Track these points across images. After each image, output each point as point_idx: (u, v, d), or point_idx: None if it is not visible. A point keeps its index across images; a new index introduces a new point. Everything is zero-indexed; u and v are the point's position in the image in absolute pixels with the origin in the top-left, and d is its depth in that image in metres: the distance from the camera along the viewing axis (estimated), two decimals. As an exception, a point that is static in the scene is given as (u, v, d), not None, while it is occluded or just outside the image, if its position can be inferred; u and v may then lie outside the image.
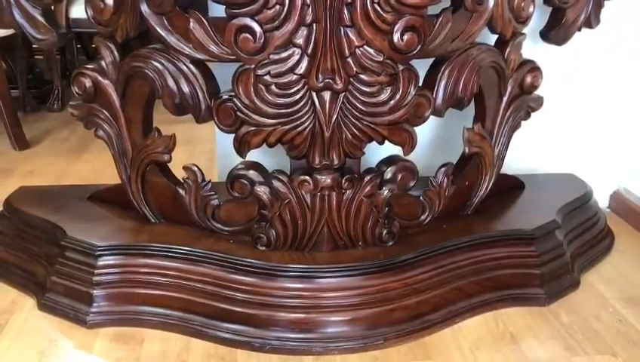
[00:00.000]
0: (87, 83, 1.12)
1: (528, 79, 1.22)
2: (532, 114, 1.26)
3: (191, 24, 0.98)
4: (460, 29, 1.04)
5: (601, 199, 1.58)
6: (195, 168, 1.11)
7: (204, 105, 1.04)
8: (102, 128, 1.15)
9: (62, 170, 1.78)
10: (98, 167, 1.79)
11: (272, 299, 1.05)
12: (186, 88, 1.04)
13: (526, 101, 1.24)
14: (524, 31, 1.16)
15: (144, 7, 1.00)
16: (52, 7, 1.16)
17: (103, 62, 1.10)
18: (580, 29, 1.27)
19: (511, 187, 1.37)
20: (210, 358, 1.01)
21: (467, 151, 1.17)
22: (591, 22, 1.27)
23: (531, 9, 1.14)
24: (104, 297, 1.08)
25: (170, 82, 1.04)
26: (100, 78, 1.11)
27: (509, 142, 1.25)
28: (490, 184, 1.24)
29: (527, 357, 1.03)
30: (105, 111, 1.14)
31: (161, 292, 1.08)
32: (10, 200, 1.29)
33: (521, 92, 1.22)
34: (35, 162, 1.86)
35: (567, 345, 1.06)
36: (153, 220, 1.18)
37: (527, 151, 1.50)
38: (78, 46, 3.10)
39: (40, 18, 1.13)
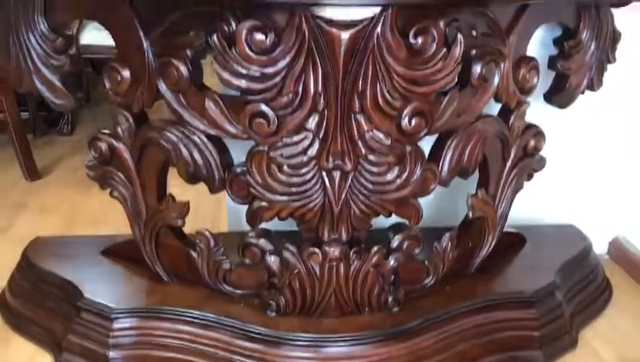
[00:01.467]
0: (103, 147, 1.16)
1: (532, 143, 1.25)
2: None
3: (206, 103, 1.02)
4: (466, 104, 1.07)
5: (601, 245, 1.62)
6: (207, 233, 1.15)
7: (217, 177, 1.08)
8: (117, 190, 1.19)
9: (73, 207, 1.82)
10: (107, 204, 1.82)
11: (278, 365, 1.09)
12: (199, 160, 1.07)
13: (529, 164, 1.27)
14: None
15: (161, 84, 1.03)
16: (70, 72, 1.19)
17: (119, 129, 1.13)
18: (583, 93, 1.30)
19: (513, 242, 1.40)
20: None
21: (471, 216, 1.21)
22: (594, 85, 1.30)
23: (535, 80, 1.17)
24: (120, 359, 1.12)
25: (185, 153, 1.08)
26: (115, 143, 1.15)
27: (511, 203, 1.28)
28: (493, 243, 1.28)
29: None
30: (120, 174, 1.17)
31: (174, 355, 1.12)
32: (28, 254, 1.33)
33: (525, 155, 1.26)
34: (47, 196, 1.90)
35: (564, 410, 1.11)
36: (166, 279, 1.22)
37: (528, 200, 1.53)
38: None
39: (58, 84, 1.16)
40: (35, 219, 1.74)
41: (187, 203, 1.15)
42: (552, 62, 1.25)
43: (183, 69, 1.00)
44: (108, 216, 1.73)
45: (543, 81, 1.24)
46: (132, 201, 1.18)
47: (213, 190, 1.10)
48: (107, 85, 1.10)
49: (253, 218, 1.07)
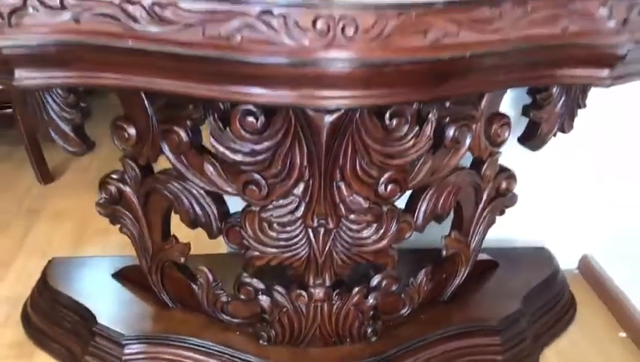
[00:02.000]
0: (113, 189, 1.28)
1: (504, 185, 1.37)
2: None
3: (205, 165, 1.13)
4: (440, 164, 1.19)
5: (572, 261, 1.76)
6: (206, 270, 1.29)
7: (215, 226, 1.21)
8: (126, 227, 1.32)
9: (84, 214, 1.95)
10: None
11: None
12: (199, 210, 1.20)
13: (501, 202, 1.39)
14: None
15: (164, 145, 1.15)
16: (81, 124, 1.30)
17: (126, 176, 1.26)
18: (555, 136, 1.40)
19: (486, 267, 1.54)
20: None
21: (445, 253, 1.34)
22: (565, 129, 1.40)
23: (507, 134, 1.28)
24: (131, 380, 1.28)
25: (186, 204, 1.20)
26: (123, 187, 1.27)
27: (484, 237, 1.41)
28: (466, 273, 1.41)
29: None
30: (128, 214, 1.30)
31: (179, 378, 1.28)
32: (46, 275, 1.47)
33: (497, 196, 1.37)
34: (60, 200, 2.03)
35: None
36: (171, 305, 1.37)
37: (504, 221, 1.66)
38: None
39: (71, 134, 1.27)
40: (49, 227, 1.88)
41: (188, 244, 1.28)
42: (525, 111, 1.35)
43: (184, 135, 1.12)
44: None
45: (518, 124, 1.34)
46: (139, 238, 1.32)
47: (211, 236, 1.23)
48: (115, 141, 1.22)
49: (246, 264, 1.20)
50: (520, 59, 0.95)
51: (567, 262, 1.72)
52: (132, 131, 1.18)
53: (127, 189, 1.27)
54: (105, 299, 1.40)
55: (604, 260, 1.69)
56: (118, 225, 1.34)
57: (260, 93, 0.90)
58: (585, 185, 1.66)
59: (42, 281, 1.48)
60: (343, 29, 0.83)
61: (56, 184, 2.15)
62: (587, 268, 1.73)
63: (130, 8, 0.87)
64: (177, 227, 1.28)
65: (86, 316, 1.35)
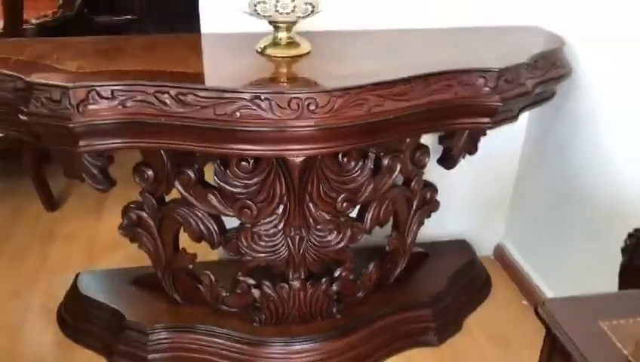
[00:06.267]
0: (133, 216, 1.68)
1: (428, 195, 1.83)
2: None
3: (208, 195, 1.55)
4: (379, 184, 1.63)
5: (488, 248, 2.24)
6: (209, 273, 1.70)
7: (216, 240, 1.62)
8: (144, 244, 1.71)
9: (91, 235, 2.32)
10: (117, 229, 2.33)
11: (261, 359, 1.68)
12: (204, 229, 1.61)
13: (427, 208, 1.85)
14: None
15: (177, 183, 1.56)
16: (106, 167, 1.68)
17: (145, 205, 1.66)
18: (464, 157, 1.87)
19: (421, 256, 2.00)
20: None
21: (388, 249, 1.79)
22: (470, 152, 1.87)
23: (427, 159, 1.73)
24: (156, 359, 1.68)
25: (193, 224, 1.61)
26: (141, 213, 1.67)
27: (416, 234, 1.87)
28: (405, 263, 1.87)
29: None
30: (146, 234, 1.70)
31: (193, 355, 1.69)
32: (77, 286, 1.85)
33: (424, 204, 1.84)
34: (68, 225, 2.39)
35: (448, 374, 1.73)
36: (181, 302, 1.77)
37: (434, 219, 2.12)
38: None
39: (99, 175, 1.65)
40: (63, 247, 2.25)
41: (195, 254, 1.69)
42: (440, 140, 1.81)
43: (192, 175, 1.53)
44: (121, 242, 2.23)
45: (436, 150, 1.80)
46: (155, 252, 1.71)
47: (213, 248, 1.65)
48: (136, 179, 1.62)
49: (242, 266, 1.62)
50: (427, 115, 1.41)
51: (485, 250, 2.21)
52: (150, 173, 1.58)
53: (145, 215, 1.67)
54: (128, 301, 1.79)
55: (513, 248, 2.17)
56: (137, 243, 1.73)
57: (252, 149, 1.32)
58: (493, 192, 2.15)
59: (73, 290, 1.86)
60: (307, 106, 1.26)
61: (61, 211, 2.50)
62: (500, 255, 2.22)
63: (161, 96, 1.28)
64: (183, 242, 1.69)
65: (115, 314, 1.74)
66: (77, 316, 1.83)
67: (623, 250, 1.36)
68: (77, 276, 1.91)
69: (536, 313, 1.09)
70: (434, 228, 2.03)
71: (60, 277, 2.07)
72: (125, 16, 3.10)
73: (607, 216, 1.63)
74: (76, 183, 2.66)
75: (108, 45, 1.56)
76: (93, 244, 2.28)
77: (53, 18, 2.70)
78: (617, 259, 1.32)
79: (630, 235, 1.35)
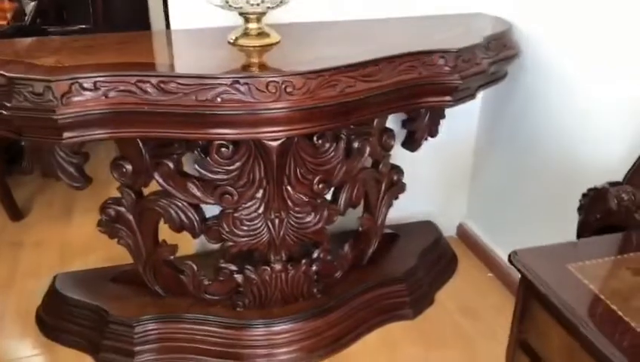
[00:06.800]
0: (111, 211, 1.70)
1: (395, 178, 1.93)
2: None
3: (188, 184, 1.60)
4: (351, 166, 1.72)
5: (451, 229, 2.36)
6: (191, 263, 1.74)
7: (197, 228, 1.66)
8: (123, 239, 1.74)
9: (62, 240, 2.31)
10: (87, 234, 2.33)
11: (246, 342, 1.73)
12: (184, 218, 1.65)
13: (395, 190, 1.95)
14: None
15: (156, 174, 1.60)
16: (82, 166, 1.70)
17: (123, 200, 1.68)
18: (426, 140, 1.97)
19: (390, 237, 2.10)
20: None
21: (360, 229, 1.88)
22: (432, 134, 1.98)
23: (393, 142, 1.83)
24: (144, 352, 1.70)
25: (173, 215, 1.65)
26: (119, 209, 1.69)
27: (386, 216, 1.96)
28: (377, 243, 1.96)
29: (404, 352, 1.78)
30: (125, 229, 1.72)
31: (180, 344, 1.72)
32: (55, 287, 1.85)
33: (392, 186, 1.93)
34: (36, 232, 2.37)
35: (425, 343, 1.82)
36: (163, 294, 1.80)
37: (398, 204, 2.21)
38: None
39: (75, 173, 1.66)
40: (34, 254, 2.23)
41: (175, 245, 1.73)
42: (404, 124, 1.91)
43: (172, 165, 1.58)
44: (93, 245, 2.25)
45: (400, 134, 1.91)
46: (134, 246, 1.74)
47: (195, 236, 1.69)
48: (114, 175, 1.64)
49: (224, 253, 1.67)
50: (394, 95, 1.50)
51: (448, 230, 2.32)
52: (129, 166, 1.61)
53: (123, 210, 1.69)
54: (109, 297, 1.80)
55: (475, 226, 2.30)
56: (116, 239, 1.75)
57: (233, 133, 1.38)
58: (454, 174, 2.27)
59: (51, 292, 1.86)
60: (284, 89, 1.34)
61: (27, 220, 2.48)
62: (463, 233, 2.34)
63: (143, 85, 1.33)
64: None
65: (98, 311, 1.75)
66: (57, 316, 1.83)
67: (579, 209, 1.49)
68: (55, 277, 1.91)
69: (510, 261, 1.20)
70: (400, 211, 2.14)
71: (33, 282, 2.06)
72: (79, 26, 3.09)
73: (562, 184, 1.77)
74: (40, 192, 2.67)
75: (81, 42, 1.60)
76: (64, 249, 2.27)
77: (6, 27, 2.68)
78: (574, 223, 1.44)
79: (584, 195, 1.48)
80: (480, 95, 1.94)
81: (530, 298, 1.19)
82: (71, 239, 2.33)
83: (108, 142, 2.71)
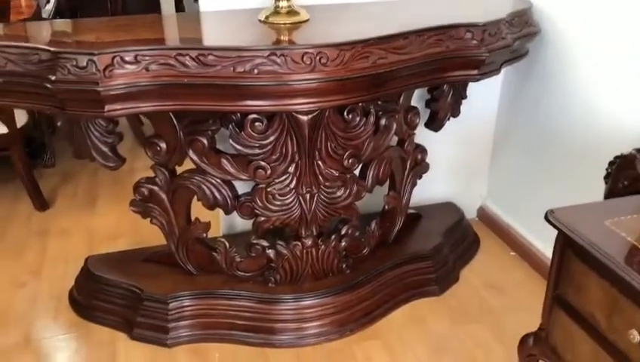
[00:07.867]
0: (145, 191, 1.73)
1: (419, 157, 1.96)
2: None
3: (222, 161, 1.63)
4: (378, 143, 1.75)
5: (472, 211, 2.39)
6: (224, 240, 1.77)
7: (230, 205, 1.70)
8: (156, 218, 1.77)
9: (87, 228, 2.35)
10: (112, 222, 2.38)
11: (278, 316, 1.75)
12: (218, 196, 1.69)
13: (419, 170, 1.99)
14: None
15: (190, 151, 1.63)
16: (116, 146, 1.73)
17: (157, 179, 1.72)
18: (449, 120, 2.01)
19: (414, 218, 2.13)
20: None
21: (386, 208, 1.91)
22: (455, 114, 2.02)
23: (418, 120, 1.87)
24: (178, 328, 1.73)
25: (207, 192, 1.69)
26: (153, 188, 1.73)
27: (410, 195, 1.99)
28: (402, 222, 1.99)
29: (432, 329, 1.81)
30: (157, 208, 1.76)
31: (214, 320, 1.75)
32: (88, 268, 1.88)
33: (416, 165, 1.97)
34: (62, 221, 2.40)
35: (452, 319, 1.85)
36: (195, 273, 1.83)
37: (424, 187, 2.25)
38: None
39: (109, 153, 1.70)
40: (61, 241, 2.27)
41: (209, 222, 1.76)
42: (427, 104, 1.95)
43: (206, 142, 1.61)
44: (118, 232, 2.29)
45: (423, 115, 1.94)
46: (167, 225, 1.77)
47: (227, 213, 1.72)
48: (148, 153, 1.68)
49: (257, 228, 1.71)
50: (423, 68, 1.54)
51: (469, 212, 2.35)
52: (163, 145, 1.65)
53: (156, 188, 1.73)
54: (143, 276, 1.83)
55: (496, 207, 2.33)
56: (149, 219, 1.78)
57: (267, 104, 1.41)
58: (474, 156, 2.31)
59: (84, 272, 1.89)
60: (320, 60, 1.37)
61: (52, 210, 2.51)
62: (483, 215, 2.37)
63: (182, 58, 1.37)
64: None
65: (131, 289, 1.78)
66: (90, 296, 1.86)
67: (606, 177, 1.52)
68: (86, 259, 1.94)
69: (547, 220, 1.23)
70: (422, 193, 2.17)
71: (62, 267, 2.10)
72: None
73: (585, 161, 1.80)
74: (63, 184, 2.71)
75: (117, 22, 1.64)
76: (90, 236, 2.30)
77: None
78: (599, 192, 1.47)
79: (611, 163, 1.52)
80: (500, 76, 1.98)
81: (567, 254, 1.23)
82: (96, 226, 2.37)
83: (128, 132, 2.78)
